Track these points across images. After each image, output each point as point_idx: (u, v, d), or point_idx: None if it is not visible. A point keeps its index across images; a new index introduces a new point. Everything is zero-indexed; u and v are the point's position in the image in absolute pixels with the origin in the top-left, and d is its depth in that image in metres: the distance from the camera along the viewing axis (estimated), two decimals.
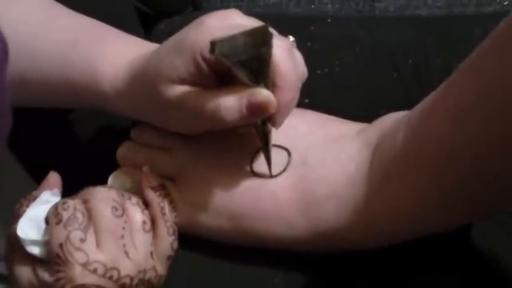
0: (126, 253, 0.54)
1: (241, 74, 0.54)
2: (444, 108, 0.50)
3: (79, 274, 0.53)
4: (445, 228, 0.55)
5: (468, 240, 0.60)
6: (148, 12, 0.84)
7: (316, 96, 0.65)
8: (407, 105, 0.56)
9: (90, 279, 0.53)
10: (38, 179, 0.61)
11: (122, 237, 0.54)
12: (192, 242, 0.60)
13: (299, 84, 0.56)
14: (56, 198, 0.58)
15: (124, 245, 0.54)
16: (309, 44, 0.66)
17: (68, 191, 0.58)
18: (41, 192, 0.57)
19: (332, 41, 0.68)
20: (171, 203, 0.58)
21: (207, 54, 0.54)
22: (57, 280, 0.53)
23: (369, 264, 0.59)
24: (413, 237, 0.55)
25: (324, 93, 0.66)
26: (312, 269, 0.59)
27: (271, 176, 0.58)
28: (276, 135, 0.58)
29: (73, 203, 0.55)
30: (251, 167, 0.59)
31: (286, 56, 0.55)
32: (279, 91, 0.55)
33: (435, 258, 0.59)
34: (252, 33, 0.53)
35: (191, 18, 0.58)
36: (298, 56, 0.57)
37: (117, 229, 0.54)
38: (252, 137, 0.60)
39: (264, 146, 0.58)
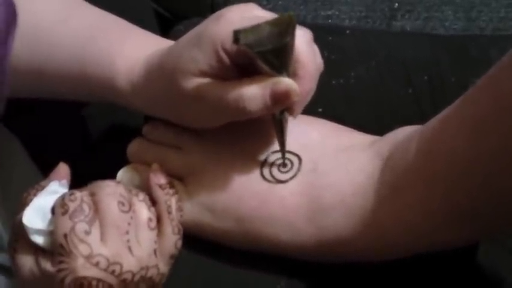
0: (130, 249, 0.54)
1: (264, 64, 0.54)
2: (459, 122, 0.50)
3: (81, 266, 0.53)
4: (452, 245, 0.55)
5: (473, 260, 0.60)
6: (166, 16, 0.85)
7: (329, 106, 0.66)
8: (420, 120, 0.56)
9: (92, 272, 0.53)
10: (47, 173, 0.61)
11: (127, 232, 0.54)
12: (196, 242, 0.60)
13: (318, 75, 0.57)
14: (63, 189, 0.58)
15: (128, 241, 0.54)
16: (326, 54, 0.66)
17: (77, 185, 0.58)
18: (50, 182, 0.58)
19: (349, 52, 0.69)
20: (178, 201, 0.58)
21: (228, 46, 0.54)
22: (59, 271, 0.53)
23: (372, 278, 0.59)
24: (420, 251, 0.55)
25: (337, 104, 0.67)
26: (314, 277, 0.59)
27: (279, 181, 0.58)
28: (288, 142, 0.58)
29: (80, 194, 0.55)
30: (261, 172, 0.59)
31: (307, 46, 0.56)
32: (300, 80, 0.55)
33: (440, 277, 0.59)
34: (276, 22, 0.53)
35: None
36: (316, 47, 0.57)
37: (122, 224, 0.54)
38: (263, 141, 0.60)
39: (280, 136, 0.58)
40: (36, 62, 0.62)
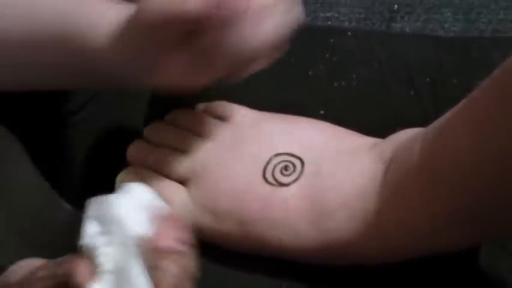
0: None
1: None
2: (463, 124, 0.50)
3: None
4: (455, 247, 0.55)
5: (475, 262, 0.60)
6: None
7: (331, 108, 0.65)
8: (423, 122, 0.56)
9: None
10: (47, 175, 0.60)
11: None
12: (196, 245, 0.59)
13: None
14: None
15: None
16: (327, 55, 0.66)
17: (75, 192, 0.58)
18: None
19: (350, 54, 0.68)
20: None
21: None
22: None
23: (374, 279, 0.58)
24: (422, 254, 0.55)
25: (339, 106, 0.66)
26: (316, 279, 0.59)
27: (282, 184, 0.58)
28: (291, 144, 0.58)
29: None
30: (263, 174, 0.59)
31: None
32: None
33: (440, 279, 0.59)
34: None
35: None
36: None
37: None
38: (265, 144, 0.60)
39: None
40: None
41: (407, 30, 0.77)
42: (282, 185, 0.58)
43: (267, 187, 0.58)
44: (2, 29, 0.57)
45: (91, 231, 0.47)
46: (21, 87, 0.60)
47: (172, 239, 0.47)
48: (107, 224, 0.47)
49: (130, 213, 0.47)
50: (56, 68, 0.59)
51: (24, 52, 0.58)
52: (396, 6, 0.79)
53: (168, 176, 0.60)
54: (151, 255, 0.46)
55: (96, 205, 0.47)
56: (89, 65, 0.56)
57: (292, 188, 0.58)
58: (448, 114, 0.52)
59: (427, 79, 0.67)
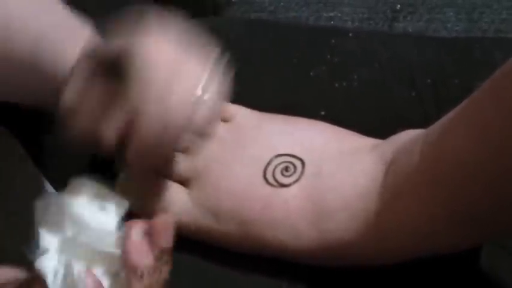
0: None
1: None
2: (463, 126, 0.50)
3: None
4: (454, 249, 0.55)
5: (475, 263, 0.60)
6: None
7: (332, 109, 0.65)
8: (424, 124, 0.56)
9: None
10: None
11: None
12: (196, 246, 0.59)
13: None
14: None
15: None
16: (328, 56, 0.66)
17: None
18: None
19: (352, 55, 0.68)
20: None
21: None
22: None
23: (374, 280, 0.58)
24: (422, 255, 0.55)
25: (340, 107, 0.66)
26: (316, 280, 0.59)
27: (283, 185, 0.58)
28: (292, 145, 0.58)
29: None
30: (264, 175, 0.59)
31: None
32: None
33: (440, 279, 0.59)
34: None
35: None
36: None
37: None
38: (266, 145, 0.60)
39: None
40: None
41: (410, 30, 0.77)
42: (282, 185, 0.58)
43: (268, 188, 0.58)
44: None
45: (44, 240, 0.44)
46: None
47: (139, 247, 0.47)
48: (60, 228, 0.44)
49: (86, 213, 0.45)
50: (20, 86, 0.60)
51: None
52: (399, 6, 0.79)
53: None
54: (113, 263, 0.45)
55: (47, 206, 0.45)
56: (51, 90, 0.57)
57: (293, 189, 0.58)
58: (449, 115, 0.52)
59: (429, 80, 0.67)
